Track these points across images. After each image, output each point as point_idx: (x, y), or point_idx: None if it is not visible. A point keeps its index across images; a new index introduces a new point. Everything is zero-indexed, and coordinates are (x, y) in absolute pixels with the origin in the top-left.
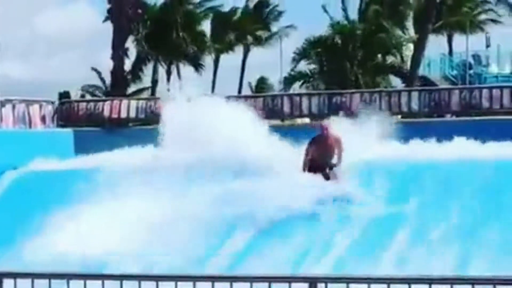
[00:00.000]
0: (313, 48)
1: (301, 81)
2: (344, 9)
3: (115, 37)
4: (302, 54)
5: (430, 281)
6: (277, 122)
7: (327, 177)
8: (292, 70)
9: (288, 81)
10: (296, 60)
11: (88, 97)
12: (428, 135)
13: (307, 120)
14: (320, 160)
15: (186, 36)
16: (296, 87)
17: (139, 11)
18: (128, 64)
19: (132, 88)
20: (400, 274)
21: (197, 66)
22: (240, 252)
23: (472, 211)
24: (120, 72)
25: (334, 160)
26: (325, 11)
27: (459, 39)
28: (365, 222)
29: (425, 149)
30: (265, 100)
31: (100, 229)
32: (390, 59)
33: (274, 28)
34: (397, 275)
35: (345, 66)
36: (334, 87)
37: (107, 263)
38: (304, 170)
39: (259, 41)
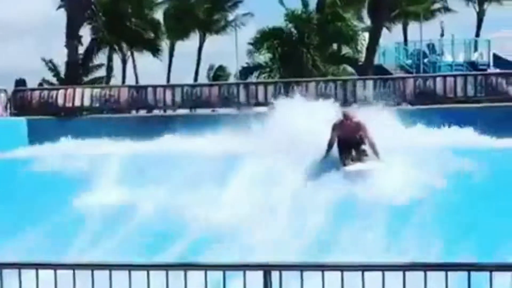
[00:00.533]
0: (268, 38)
1: (258, 72)
2: None
3: (69, 25)
4: (257, 45)
5: (382, 267)
6: (232, 110)
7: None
8: (247, 63)
9: (244, 71)
10: (251, 52)
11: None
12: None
13: (264, 109)
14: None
15: (140, 23)
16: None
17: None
18: (83, 53)
19: (89, 77)
20: (353, 262)
21: (155, 51)
22: None
23: None
24: (75, 61)
25: (363, 146)
26: (281, 2)
27: (413, 28)
28: None
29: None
30: (221, 89)
31: None
32: (345, 48)
33: (231, 16)
34: (351, 262)
35: (300, 56)
36: (291, 76)
37: None
38: (327, 152)
39: (215, 29)
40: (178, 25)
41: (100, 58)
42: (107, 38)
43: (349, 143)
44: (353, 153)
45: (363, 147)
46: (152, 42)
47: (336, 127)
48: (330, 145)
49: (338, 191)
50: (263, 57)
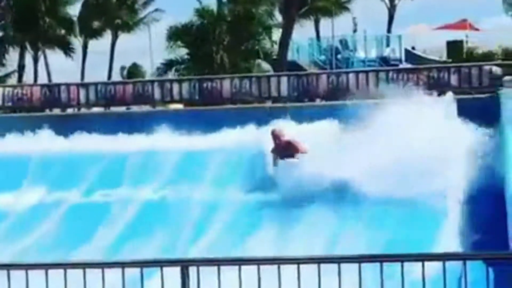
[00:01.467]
0: (180, 35)
1: (173, 69)
2: None
3: None
4: (169, 41)
5: (297, 260)
6: (148, 108)
7: None
8: (164, 59)
9: (161, 70)
10: (168, 48)
11: None
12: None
13: (180, 106)
14: None
15: (52, 21)
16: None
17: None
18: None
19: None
20: (268, 256)
21: (67, 50)
22: None
23: None
24: None
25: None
26: None
27: (326, 24)
28: None
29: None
30: (135, 86)
31: None
32: (258, 44)
33: (142, 14)
34: (266, 257)
35: (211, 52)
36: (205, 73)
37: None
38: None
39: (127, 27)
40: (91, 24)
41: (11, 56)
42: (17, 36)
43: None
44: None
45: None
46: (64, 40)
47: (274, 151)
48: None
49: None
50: (177, 53)
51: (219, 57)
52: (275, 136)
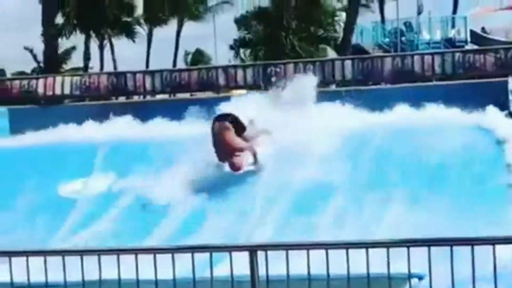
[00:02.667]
0: (252, 18)
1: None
2: None
3: (44, 13)
4: (241, 23)
5: (366, 245)
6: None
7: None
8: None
9: (234, 47)
10: (238, 28)
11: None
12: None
13: (243, 91)
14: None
15: (116, 9)
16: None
17: None
18: (61, 41)
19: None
20: (337, 240)
21: (131, 35)
22: None
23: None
24: (52, 50)
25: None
26: None
27: (390, 7)
28: None
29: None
30: (200, 73)
31: None
32: (323, 29)
33: (211, 3)
34: (335, 241)
35: (280, 37)
36: (271, 57)
37: None
38: None
39: (194, 16)
40: (157, 12)
41: (78, 45)
42: (81, 24)
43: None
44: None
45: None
46: (130, 26)
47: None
48: None
49: None
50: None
51: (288, 41)
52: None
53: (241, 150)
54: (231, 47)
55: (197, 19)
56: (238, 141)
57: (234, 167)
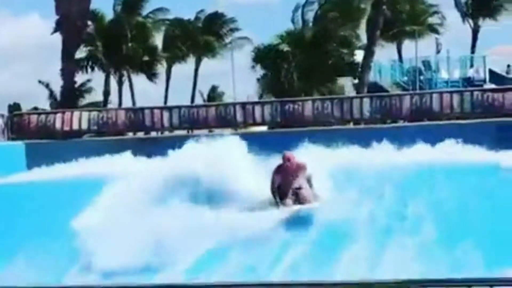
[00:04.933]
0: (264, 57)
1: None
2: (303, 18)
3: (64, 49)
4: (256, 61)
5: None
6: (231, 130)
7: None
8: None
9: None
10: (253, 67)
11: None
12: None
13: (263, 128)
14: (286, 186)
15: (138, 47)
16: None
17: (89, 22)
18: (80, 77)
19: (86, 100)
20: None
21: (150, 76)
22: None
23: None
24: (71, 84)
25: (297, 184)
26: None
27: (408, 45)
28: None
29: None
30: (218, 109)
31: None
32: (338, 63)
33: (227, 39)
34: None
35: (292, 74)
36: (284, 94)
37: None
38: (275, 198)
39: (211, 52)
40: (176, 49)
41: (97, 81)
42: (104, 62)
43: (289, 185)
44: (290, 194)
45: (302, 188)
46: (149, 65)
47: (278, 171)
48: (273, 190)
49: None
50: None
51: (295, 77)
52: (286, 158)
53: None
54: (258, 81)
55: (214, 55)
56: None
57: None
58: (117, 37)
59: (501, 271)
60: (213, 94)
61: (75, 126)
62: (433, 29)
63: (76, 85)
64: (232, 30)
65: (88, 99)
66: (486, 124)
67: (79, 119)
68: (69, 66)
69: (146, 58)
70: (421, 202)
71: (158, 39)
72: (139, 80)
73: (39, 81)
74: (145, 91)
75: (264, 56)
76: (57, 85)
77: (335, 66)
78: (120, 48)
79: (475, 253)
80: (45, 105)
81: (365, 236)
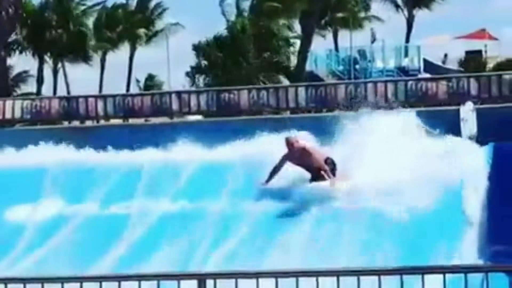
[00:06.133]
0: (210, 45)
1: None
2: (238, 6)
3: None
4: (198, 51)
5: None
6: (165, 119)
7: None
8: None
9: (190, 74)
10: (196, 56)
11: None
12: None
13: (199, 117)
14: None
15: (64, 35)
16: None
17: (20, 11)
18: (14, 65)
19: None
20: (287, 269)
21: (85, 60)
22: None
23: None
24: (3, 72)
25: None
26: (222, 12)
27: (344, 35)
28: None
29: None
30: (153, 98)
31: None
32: (277, 57)
33: (160, 25)
34: (285, 269)
35: (235, 63)
36: (226, 83)
37: None
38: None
39: (144, 39)
40: (108, 36)
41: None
42: (32, 48)
43: (306, 168)
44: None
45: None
46: (82, 52)
47: (286, 157)
48: (274, 171)
49: None
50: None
51: (242, 68)
52: (289, 143)
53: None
54: (187, 74)
55: (148, 42)
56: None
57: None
58: (44, 24)
59: None
60: (151, 83)
61: (8, 115)
62: (365, 18)
63: (12, 75)
64: (162, 13)
65: (23, 89)
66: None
67: (12, 107)
68: (1, 53)
69: (77, 45)
70: None
71: (89, 26)
72: (75, 69)
73: None
74: (80, 81)
75: (212, 45)
76: None
77: (273, 59)
78: (47, 36)
79: None
80: None
81: None
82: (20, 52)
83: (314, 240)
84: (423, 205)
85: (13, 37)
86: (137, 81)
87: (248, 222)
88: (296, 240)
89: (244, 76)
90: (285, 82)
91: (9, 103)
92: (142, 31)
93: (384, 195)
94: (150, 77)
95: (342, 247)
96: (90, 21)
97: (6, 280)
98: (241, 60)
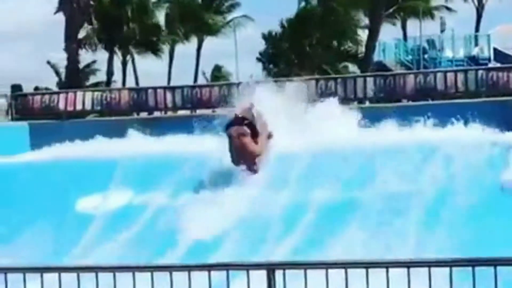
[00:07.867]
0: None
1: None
2: None
3: (67, 29)
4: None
5: (386, 264)
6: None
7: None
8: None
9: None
10: (267, 44)
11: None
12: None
13: None
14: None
15: (138, 28)
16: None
17: (91, 2)
18: (85, 56)
19: (90, 81)
20: (357, 259)
21: (156, 52)
22: None
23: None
24: (74, 64)
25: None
26: None
27: (413, 24)
28: None
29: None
30: (221, 89)
31: None
32: (345, 44)
33: (229, 17)
34: (355, 260)
35: (302, 51)
36: (293, 71)
37: None
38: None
39: (212, 30)
40: (177, 28)
41: (100, 61)
42: (104, 41)
43: None
44: None
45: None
46: (153, 44)
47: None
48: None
49: None
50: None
51: (309, 56)
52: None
53: (259, 155)
54: (258, 59)
55: (216, 33)
56: (255, 148)
57: (252, 170)
58: (117, 17)
59: None
60: (218, 74)
61: (79, 106)
62: (435, 7)
63: (81, 66)
64: (233, 6)
65: (92, 80)
66: (491, 103)
67: (83, 99)
68: (72, 45)
69: (149, 38)
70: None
71: (161, 19)
72: (143, 60)
73: (48, 62)
74: (149, 72)
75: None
76: (62, 65)
77: (341, 46)
78: (120, 29)
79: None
80: (49, 84)
81: None
82: (91, 47)
83: None
84: None
85: (84, 31)
86: (203, 73)
87: None
88: None
89: (313, 64)
90: (353, 71)
91: (79, 94)
92: (211, 22)
93: None
94: (217, 68)
95: None
96: (162, 14)
97: (78, 269)
98: (308, 50)
